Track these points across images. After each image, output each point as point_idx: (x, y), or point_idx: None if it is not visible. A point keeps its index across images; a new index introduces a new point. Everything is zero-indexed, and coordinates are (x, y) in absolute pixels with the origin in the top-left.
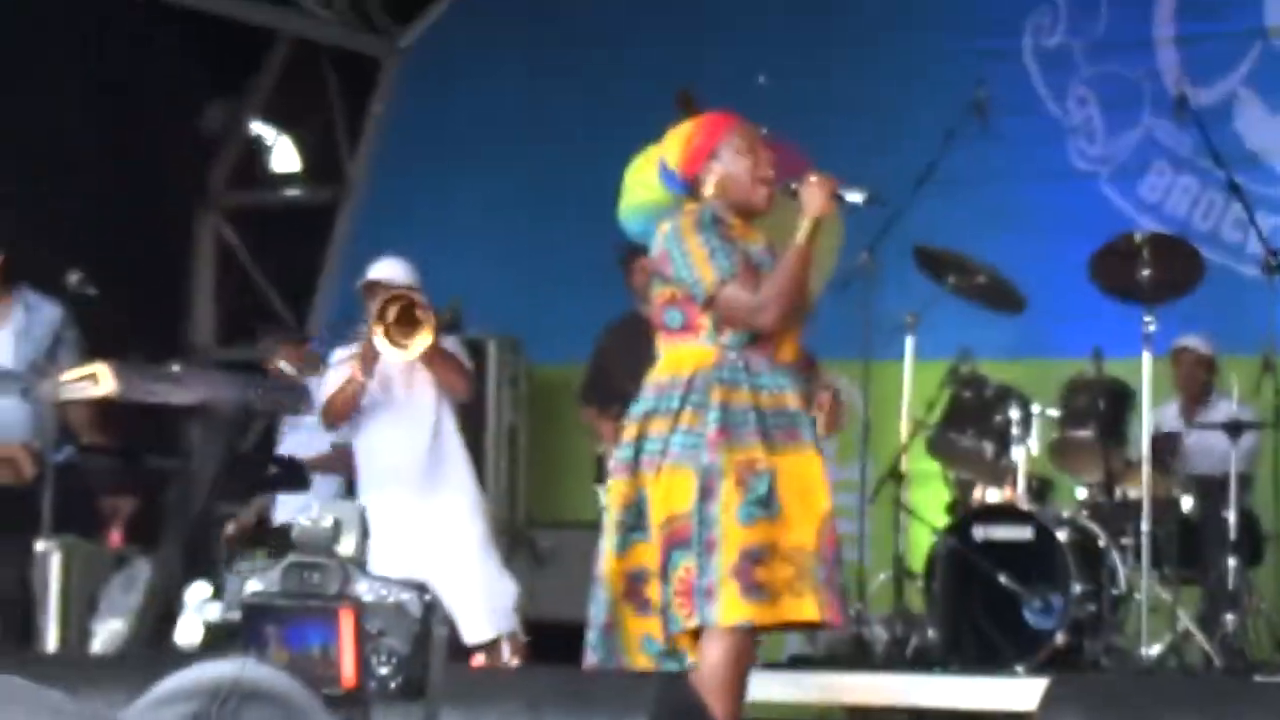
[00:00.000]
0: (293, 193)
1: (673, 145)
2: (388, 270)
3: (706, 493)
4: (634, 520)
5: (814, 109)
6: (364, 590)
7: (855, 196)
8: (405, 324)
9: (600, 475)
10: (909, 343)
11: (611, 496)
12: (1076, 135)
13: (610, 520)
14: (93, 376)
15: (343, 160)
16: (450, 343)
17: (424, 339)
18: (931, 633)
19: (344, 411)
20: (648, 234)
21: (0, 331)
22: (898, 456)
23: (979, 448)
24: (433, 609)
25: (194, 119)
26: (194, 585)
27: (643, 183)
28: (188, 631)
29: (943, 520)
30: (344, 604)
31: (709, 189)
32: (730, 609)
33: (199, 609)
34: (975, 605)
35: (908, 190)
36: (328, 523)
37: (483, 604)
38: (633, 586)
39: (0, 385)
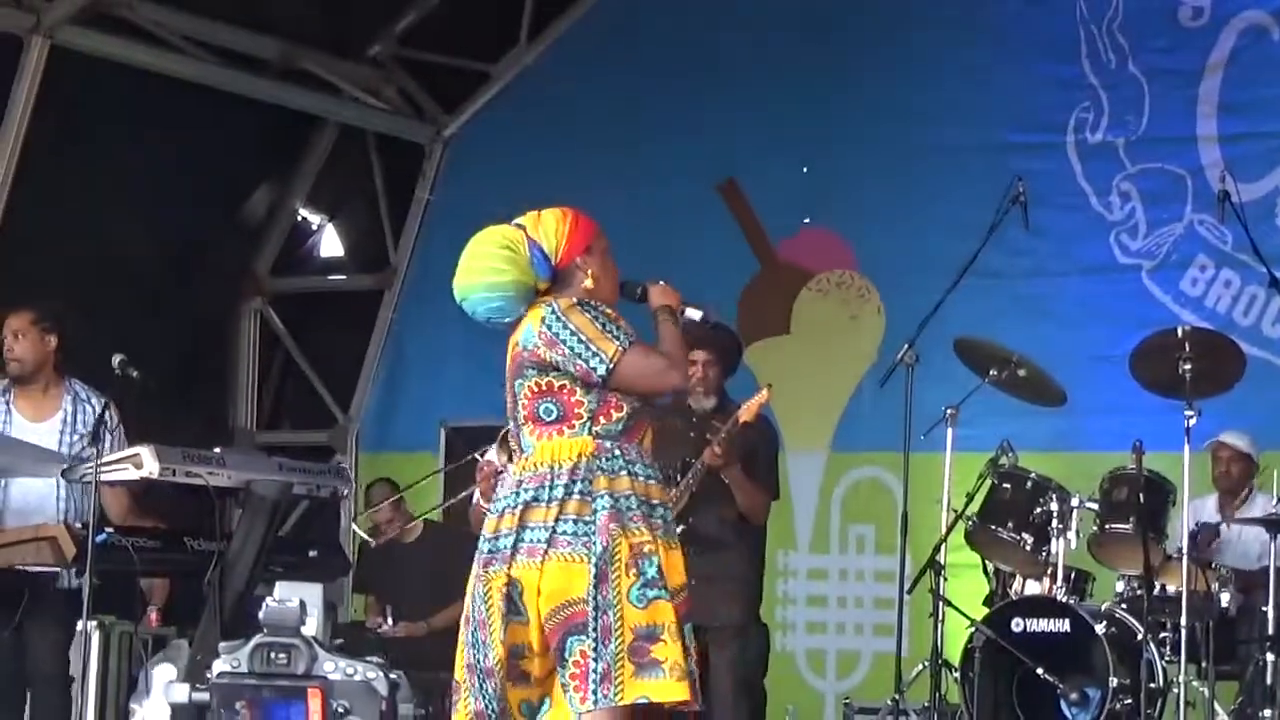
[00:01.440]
0: (337, 278)
1: (549, 231)
2: None
3: (601, 578)
4: (509, 607)
5: (857, 200)
6: (331, 669)
7: (694, 313)
8: None
9: None
10: (949, 435)
11: (491, 586)
12: (1119, 230)
13: (494, 607)
14: (135, 458)
15: (387, 247)
16: None
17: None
18: None
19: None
20: (499, 313)
21: (48, 421)
22: (937, 547)
23: (1018, 540)
24: (398, 687)
25: (240, 204)
26: (159, 666)
27: (509, 259)
28: (154, 712)
29: (981, 612)
30: (312, 683)
31: (586, 281)
32: (627, 688)
33: (165, 690)
34: (1013, 697)
35: (949, 283)
36: (294, 603)
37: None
38: (512, 663)
39: (43, 467)
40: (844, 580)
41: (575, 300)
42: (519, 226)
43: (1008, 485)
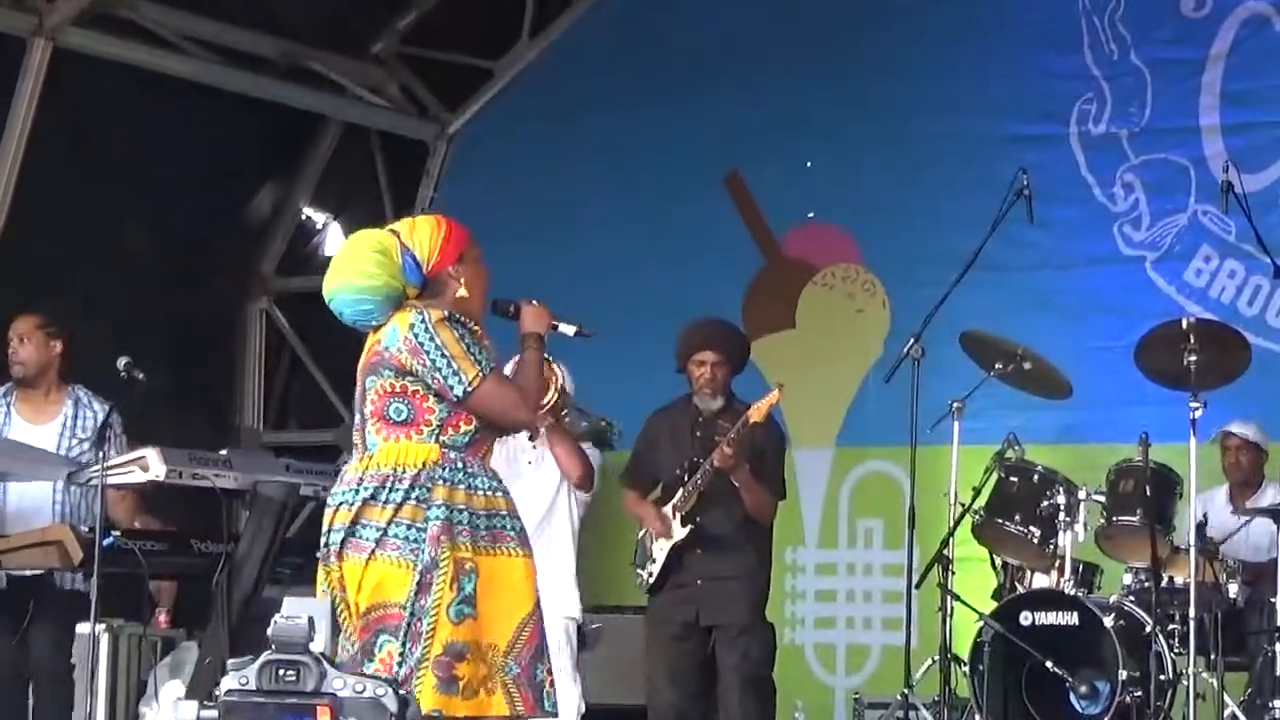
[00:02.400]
0: None
1: (423, 239)
2: None
3: (423, 587)
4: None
5: (860, 195)
6: (340, 686)
7: (567, 329)
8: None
9: (636, 558)
10: (955, 428)
11: (321, 580)
12: (1123, 221)
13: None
14: (141, 461)
15: None
16: (590, 449)
17: (550, 401)
18: (979, 718)
19: None
20: (366, 316)
21: (48, 425)
22: (944, 541)
23: (1025, 533)
24: (407, 704)
25: (245, 204)
26: (169, 683)
27: (381, 264)
28: None
29: (989, 605)
30: (321, 700)
31: (459, 290)
32: (424, 699)
33: (173, 707)
34: (1022, 691)
35: (954, 276)
36: (302, 620)
37: None
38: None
39: (47, 470)
40: (852, 575)
41: (446, 314)
42: (393, 232)
43: (1014, 479)
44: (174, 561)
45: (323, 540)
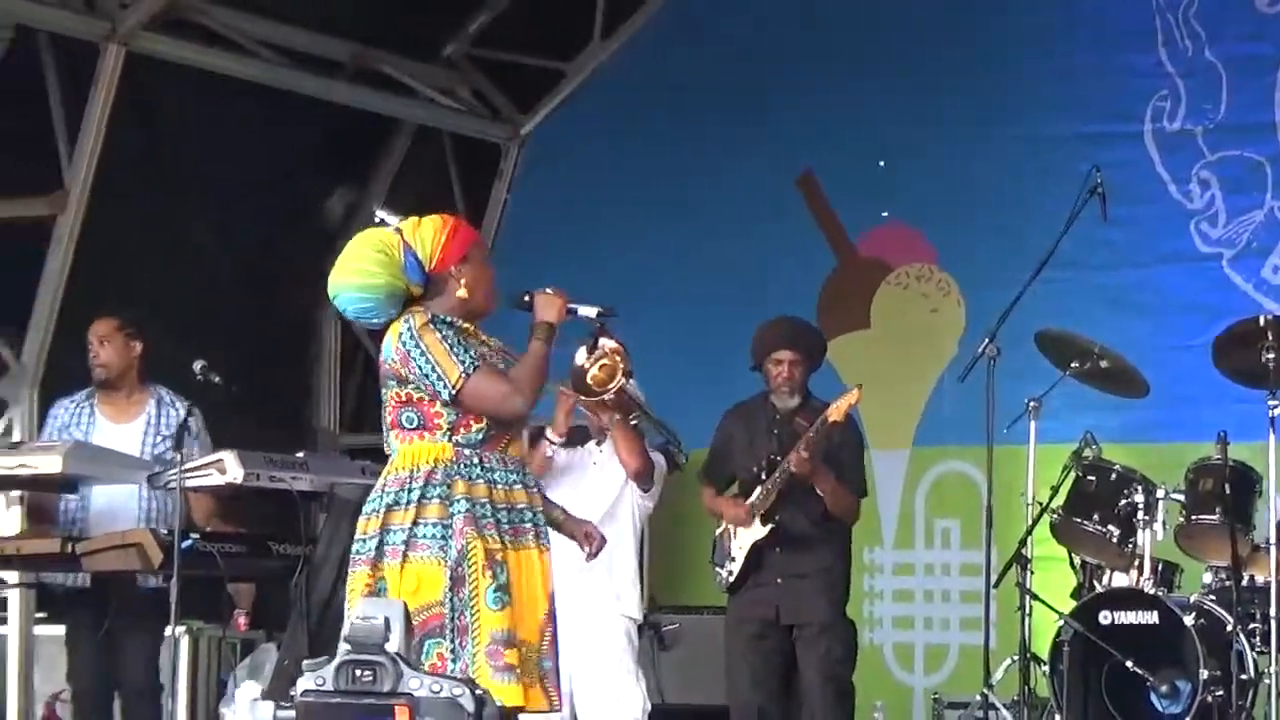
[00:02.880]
0: None
1: (426, 238)
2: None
3: (456, 581)
4: None
5: (934, 194)
6: (417, 686)
7: (588, 311)
8: (605, 379)
9: (715, 556)
10: (1032, 428)
11: (354, 587)
12: (1199, 218)
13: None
14: (218, 464)
15: None
16: (656, 454)
17: (609, 387)
18: (1059, 718)
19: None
20: (367, 313)
21: (132, 424)
22: (1022, 541)
23: (1104, 532)
24: (484, 703)
25: (318, 207)
26: (245, 684)
27: (382, 262)
28: None
29: (1069, 605)
30: (400, 700)
31: (460, 290)
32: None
33: (250, 708)
34: (1102, 690)
35: (1029, 275)
36: (379, 620)
37: (607, 711)
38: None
39: (127, 474)
40: (930, 575)
41: (430, 317)
42: (398, 231)
43: (1092, 477)
44: (252, 564)
45: (354, 548)
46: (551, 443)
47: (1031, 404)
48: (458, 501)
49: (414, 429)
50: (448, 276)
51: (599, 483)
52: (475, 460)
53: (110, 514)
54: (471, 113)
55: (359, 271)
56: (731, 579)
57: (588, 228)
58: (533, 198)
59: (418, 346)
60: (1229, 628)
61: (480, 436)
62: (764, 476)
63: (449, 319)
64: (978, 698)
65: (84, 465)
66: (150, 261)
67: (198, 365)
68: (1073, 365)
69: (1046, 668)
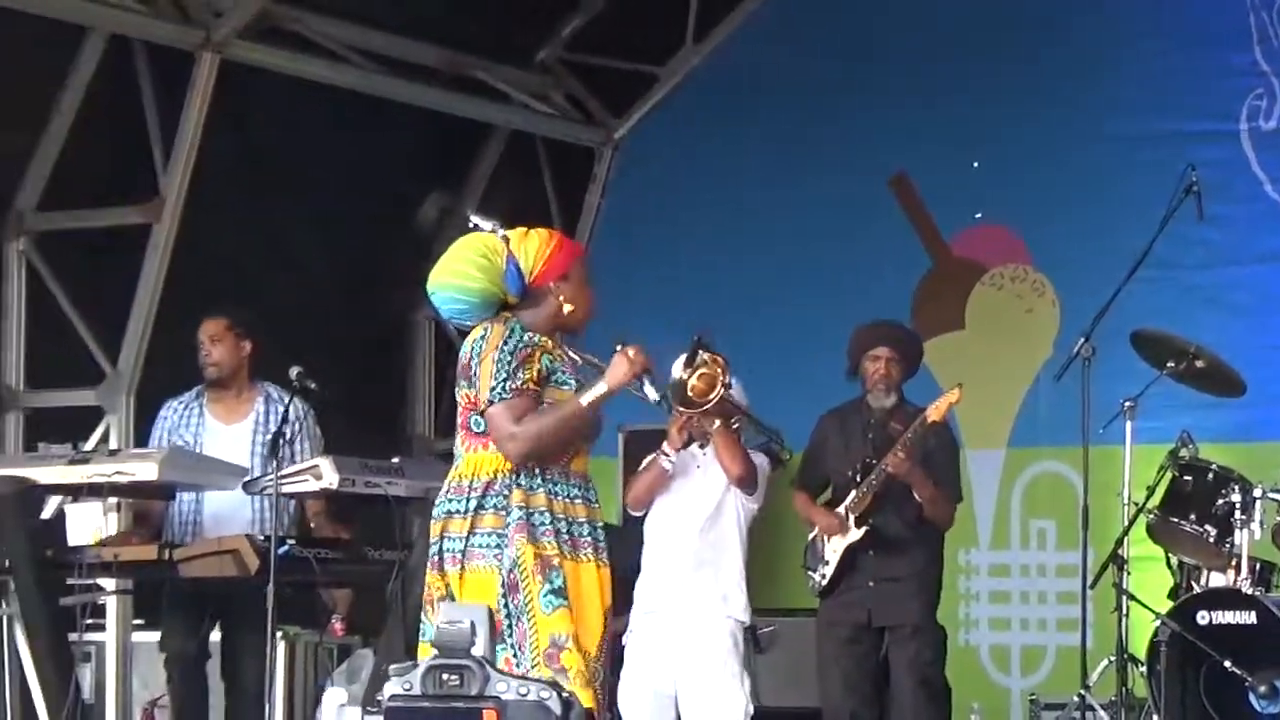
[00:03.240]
0: None
1: (531, 249)
2: None
3: (511, 588)
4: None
5: (1028, 194)
6: (504, 690)
7: (650, 392)
8: (706, 388)
9: (807, 560)
10: (1128, 427)
11: (428, 590)
12: None
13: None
14: (315, 470)
15: None
16: (759, 456)
17: (710, 398)
18: (1155, 719)
19: (649, 490)
20: (461, 315)
21: (242, 423)
22: (1119, 541)
23: (1201, 532)
24: (570, 707)
25: (412, 213)
26: (332, 690)
27: (483, 267)
28: None
29: (1166, 605)
30: (488, 704)
31: (559, 305)
32: None
33: (338, 714)
34: (1200, 691)
35: (1124, 275)
36: (464, 624)
37: (711, 712)
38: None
39: (226, 480)
40: (1026, 576)
41: (507, 330)
42: (505, 239)
43: (1189, 477)
44: (348, 569)
45: (430, 550)
46: (667, 456)
47: (1127, 404)
48: (514, 510)
49: (480, 434)
50: (547, 291)
51: (703, 486)
52: (535, 471)
53: (224, 519)
54: (565, 117)
55: (459, 273)
56: (824, 583)
57: (681, 231)
58: (626, 202)
59: (479, 355)
60: None
61: None
62: (858, 480)
63: (529, 335)
64: (1075, 699)
65: (181, 472)
66: (245, 268)
67: (294, 371)
68: (1169, 365)
69: (1144, 668)
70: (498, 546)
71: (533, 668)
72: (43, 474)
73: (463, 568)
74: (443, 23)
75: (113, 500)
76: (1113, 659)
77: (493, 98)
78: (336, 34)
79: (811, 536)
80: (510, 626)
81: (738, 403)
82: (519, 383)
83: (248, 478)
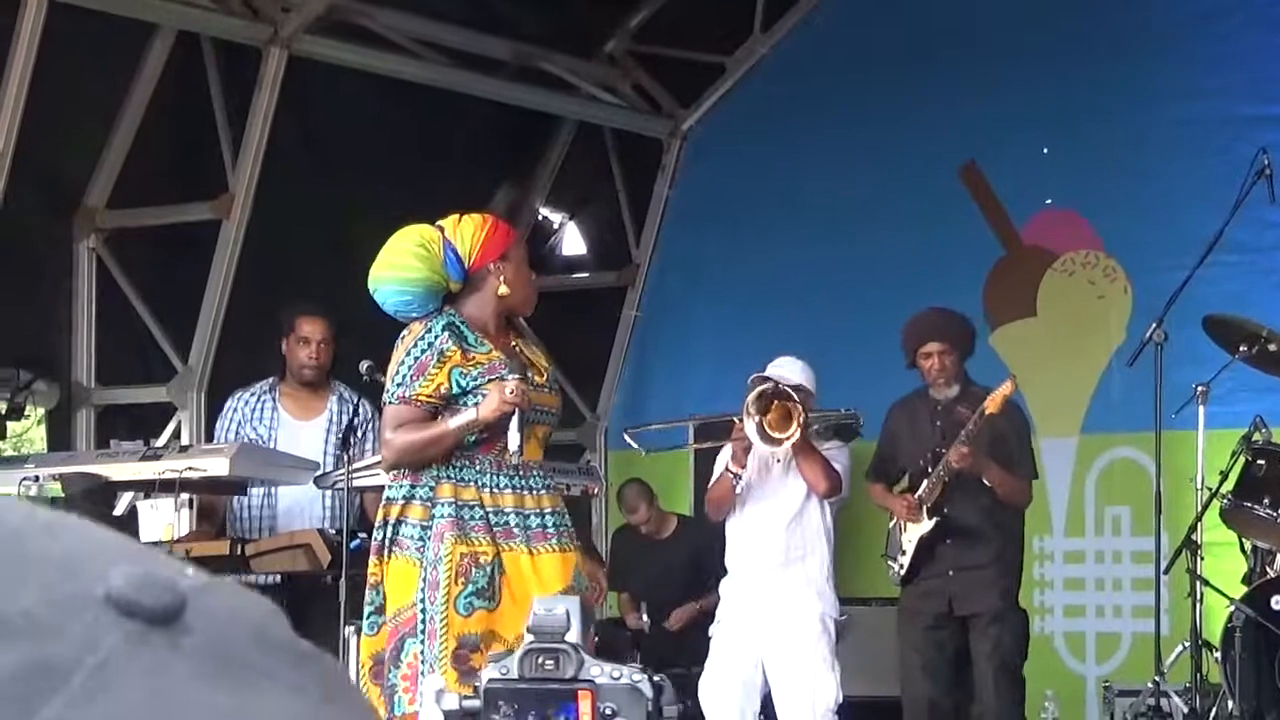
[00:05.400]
0: (580, 276)
1: (466, 234)
2: (779, 369)
3: (432, 584)
4: (381, 602)
5: (1098, 180)
6: (598, 673)
7: (514, 438)
8: (782, 418)
9: (888, 549)
10: (1200, 413)
11: (370, 573)
12: None
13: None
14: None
15: (629, 243)
16: (837, 448)
17: (793, 434)
18: (1231, 704)
19: (721, 503)
20: (406, 307)
21: (315, 420)
22: (1192, 527)
23: (1275, 516)
24: (662, 690)
25: (480, 205)
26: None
27: (421, 256)
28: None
29: (1240, 590)
30: (582, 686)
31: (500, 287)
32: None
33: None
34: (1275, 676)
35: (1196, 260)
36: (561, 612)
37: (804, 698)
38: (377, 668)
39: (295, 474)
40: (1101, 563)
41: (422, 334)
42: (439, 228)
43: (1262, 461)
44: None
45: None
46: (735, 475)
47: (1199, 389)
48: (441, 504)
49: None
50: (486, 273)
51: (785, 484)
52: (466, 463)
53: (296, 513)
54: (632, 108)
55: (398, 265)
56: (904, 572)
57: (750, 222)
58: (695, 192)
59: (397, 351)
60: None
61: (474, 440)
62: (929, 470)
63: (442, 339)
64: (1149, 685)
65: (252, 467)
66: (316, 263)
67: (364, 366)
68: (1241, 349)
69: (1218, 654)
70: (420, 539)
71: (438, 665)
72: (115, 470)
73: (390, 554)
74: (509, 15)
75: (184, 497)
76: (1187, 645)
77: (560, 89)
78: (404, 27)
79: (891, 525)
80: (424, 622)
81: (809, 418)
82: (409, 392)
83: (319, 472)
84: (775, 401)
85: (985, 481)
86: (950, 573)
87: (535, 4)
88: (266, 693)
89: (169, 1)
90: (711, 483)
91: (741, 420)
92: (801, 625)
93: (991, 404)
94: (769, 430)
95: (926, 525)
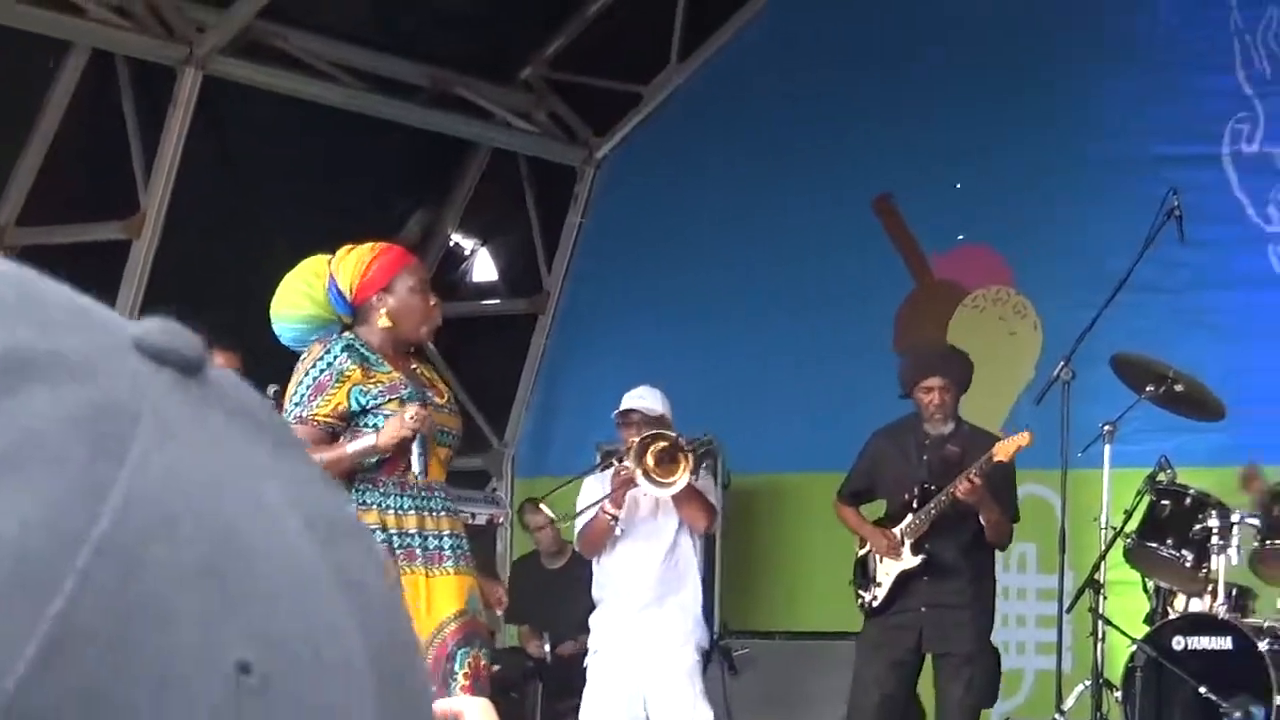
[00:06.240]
0: (491, 303)
1: (348, 268)
2: (642, 400)
3: None
4: None
5: (1010, 216)
6: None
7: (415, 462)
8: (666, 462)
9: (857, 578)
10: (1106, 451)
11: None
12: (1277, 241)
13: None
14: None
15: (540, 270)
16: (704, 477)
17: (682, 479)
18: None
19: (598, 543)
20: (296, 343)
21: None
22: (1096, 565)
23: (1178, 556)
24: None
25: (393, 230)
26: None
27: (307, 294)
28: None
29: (1142, 630)
30: None
31: (381, 319)
32: None
33: None
34: (1175, 716)
35: (1106, 297)
36: None
37: None
38: None
39: None
40: (1005, 599)
41: (325, 348)
42: (328, 260)
43: (1167, 501)
44: None
45: None
46: (613, 517)
47: (1106, 427)
48: None
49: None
50: (369, 307)
51: (657, 525)
52: (366, 487)
53: None
54: (547, 135)
55: (287, 302)
56: (876, 605)
57: (662, 251)
58: (608, 221)
59: (298, 373)
60: None
61: (375, 461)
62: (916, 505)
63: (341, 360)
64: None
65: None
66: (226, 284)
67: (271, 390)
68: (1148, 389)
69: (1120, 693)
70: None
71: None
72: None
73: None
74: (426, 40)
75: None
76: (1089, 684)
77: (475, 115)
78: (319, 50)
79: (862, 554)
80: None
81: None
82: (307, 412)
83: None
84: (652, 445)
85: (982, 518)
86: (923, 609)
87: (452, 30)
88: (298, 460)
89: (84, 20)
90: (586, 523)
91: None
92: (680, 656)
93: (1001, 452)
94: (655, 476)
95: (912, 561)
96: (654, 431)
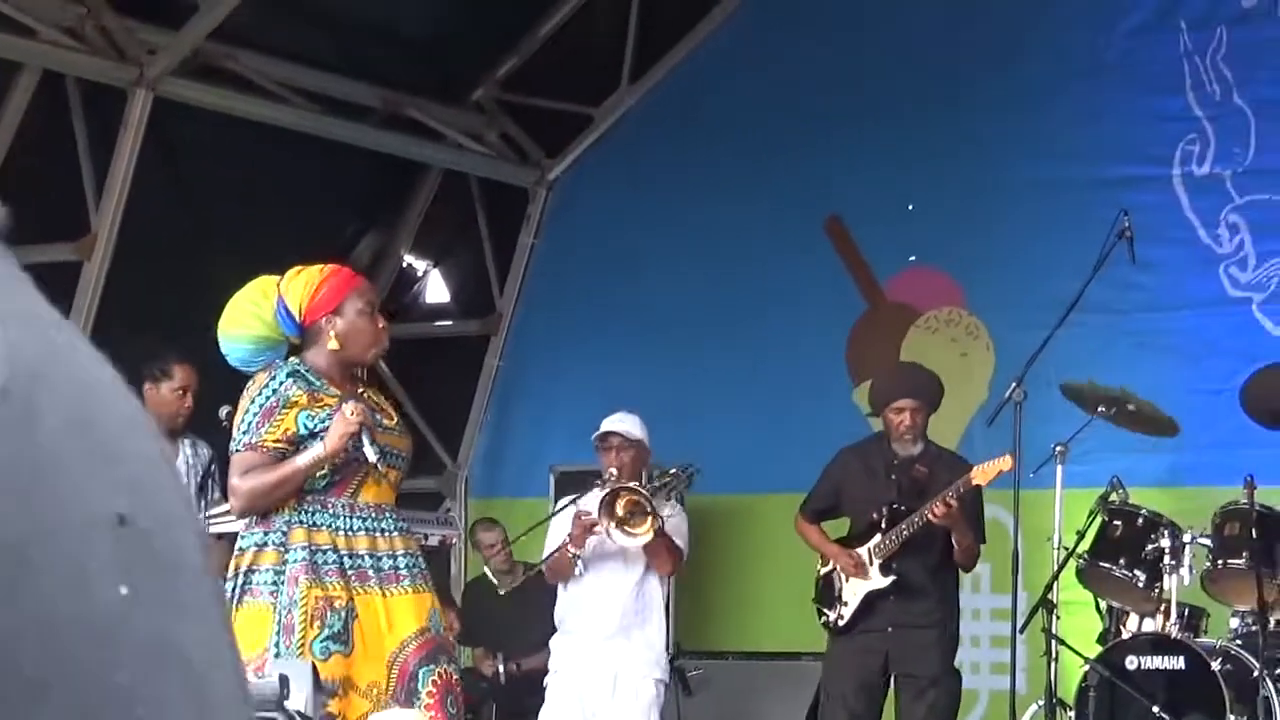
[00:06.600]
0: (444, 324)
1: (296, 290)
2: (622, 424)
3: (286, 629)
4: None
5: (962, 238)
6: None
7: (370, 452)
8: (636, 513)
9: (820, 596)
10: (1059, 471)
11: None
12: (1228, 262)
13: None
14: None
15: (493, 292)
16: (675, 510)
17: (648, 535)
18: None
19: (562, 577)
20: (245, 364)
21: None
22: (1048, 586)
23: (1130, 577)
24: None
25: (346, 252)
26: None
27: (255, 314)
28: None
29: (1095, 649)
30: None
31: (329, 341)
32: None
33: None
34: None
35: (1057, 318)
36: (274, 679)
37: None
38: None
39: None
40: (960, 619)
41: (272, 374)
42: (278, 281)
43: (1119, 522)
44: None
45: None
46: (576, 556)
47: (1058, 448)
48: (294, 550)
49: None
50: (318, 329)
51: (625, 558)
52: (317, 507)
53: None
54: (499, 157)
55: (235, 322)
56: (841, 624)
57: (614, 272)
58: (560, 242)
59: (244, 400)
60: (1255, 673)
61: (324, 482)
62: (885, 525)
63: (287, 385)
64: None
65: None
66: (178, 307)
67: (223, 411)
68: (1099, 409)
69: (1072, 713)
70: (274, 584)
71: None
72: None
73: (241, 603)
74: (378, 62)
75: None
76: (1041, 704)
77: (427, 137)
78: (271, 72)
79: (825, 573)
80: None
81: (658, 502)
82: (255, 438)
83: None
84: (623, 499)
85: (954, 540)
86: (890, 629)
87: (404, 51)
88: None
89: (35, 41)
90: (550, 556)
91: (578, 510)
92: (641, 689)
93: (980, 475)
94: (626, 528)
95: (881, 581)
96: (623, 485)
